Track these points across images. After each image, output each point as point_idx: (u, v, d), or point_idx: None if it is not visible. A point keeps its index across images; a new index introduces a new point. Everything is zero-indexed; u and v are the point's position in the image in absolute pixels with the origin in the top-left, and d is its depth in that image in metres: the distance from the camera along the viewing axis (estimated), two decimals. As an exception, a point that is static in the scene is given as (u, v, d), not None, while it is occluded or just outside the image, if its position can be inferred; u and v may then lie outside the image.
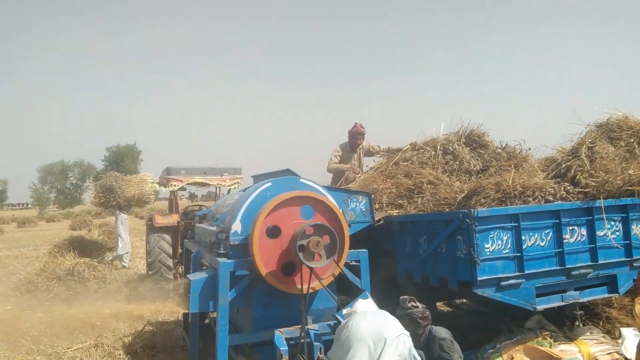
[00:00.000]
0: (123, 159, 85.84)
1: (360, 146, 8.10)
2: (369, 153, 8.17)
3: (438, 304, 6.76)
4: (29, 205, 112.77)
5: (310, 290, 4.11)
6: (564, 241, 4.78)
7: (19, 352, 6.34)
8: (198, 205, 11.26)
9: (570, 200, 4.97)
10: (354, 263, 4.58)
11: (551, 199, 4.96)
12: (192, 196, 19.98)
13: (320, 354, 4.11)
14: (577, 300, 4.92)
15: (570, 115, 6.10)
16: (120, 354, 6.06)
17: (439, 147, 6.58)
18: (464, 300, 7.15)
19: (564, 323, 5.31)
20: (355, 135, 8.03)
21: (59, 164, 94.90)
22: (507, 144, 6.78)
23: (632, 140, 5.75)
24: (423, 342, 4.27)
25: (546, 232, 4.76)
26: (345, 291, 5.03)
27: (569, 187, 5.08)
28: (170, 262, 9.92)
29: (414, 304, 4.41)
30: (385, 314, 3.79)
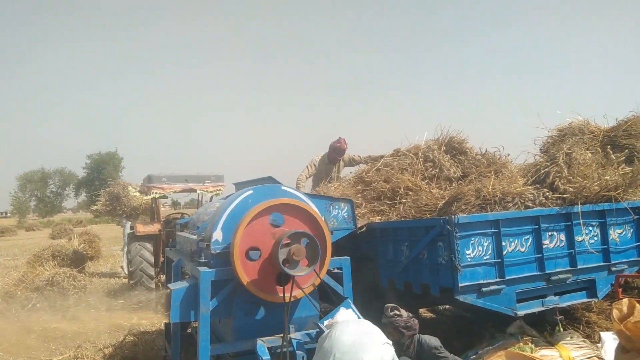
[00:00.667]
0: (105, 167, 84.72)
1: (342, 159, 8.12)
2: (350, 163, 8.18)
3: (421, 310, 6.78)
4: (8, 214, 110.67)
5: (292, 299, 4.09)
6: (544, 247, 4.84)
7: (-4, 365, 6.20)
8: (180, 213, 11.18)
9: (549, 206, 5.03)
10: (336, 270, 4.57)
11: (530, 204, 5.02)
12: (174, 204, 19.86)
13: (303, 363, 4.09)
14: (557, 305, 4.98)
15: (547, 118, 6.32)
16: (100, 366, 5.97)
17: (420, 154, 6.62)
18: (447, 307, 7.19)
19: (545, 328, 5.37)
20: (337, 151, 8.03)
21: (39, 172, 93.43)
22: (486, 151, 6.84)
23: (593, 143, 5.90)
24: (413, 353, 4.28)
25: (526, 237, 4.81)
26: (328, 299, 5.02)
27: (547, 193, 5.15)
28: (152, 271, 9.83)
29: (397, 312, 4.41)
30: (367, 323, 3.78)
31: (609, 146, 5.86)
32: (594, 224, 5.12)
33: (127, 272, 11.28)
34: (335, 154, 8.04)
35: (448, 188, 6.08)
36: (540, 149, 6.69)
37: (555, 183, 5.26)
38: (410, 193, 5.98)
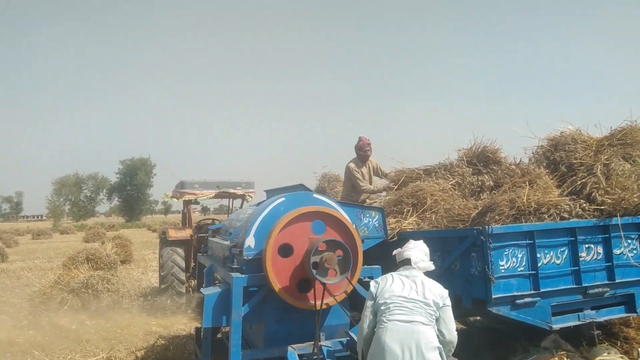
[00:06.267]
0: (137, 172, 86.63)
1: (370, 161, 8.06)
2: (376, 173, 8.11)
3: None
4: (44, 217, 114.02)
5: (324, 307, 4.09)
6: (580, 259, 4.74)
7: (32, 365, 6.37)
8: (211, 219, 11.30)
9: (586, 218, 4.92)
10: (367, 279, 4.55)
11: (566, 216, 4.92)
12: (204, 210, 20.10)
13: (333, 370, 4.09)
14: (594, 320, 4.85)
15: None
16: (132, 368, 6.07)
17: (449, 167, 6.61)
18: (479, 318, 7.06)
19: (581, 343, 5.23)
20: (364, 148, 7.97)
21: (73, 177, 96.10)
22: (520, 160, 6.74)
23: (586, 152, 5.82)
24: None
25: (562, 249, 4.72)
26: (358, 308, 5.00)
27: (584, 205, 5.04)
28: (182, 276, 9.95)
29: None
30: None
31: (603, 155, 5.72)
32: (633, 236, 4.99)
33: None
34: (364, 151, 7.95)
35: (481, 198, 6.00)
36: (529, 160, 6.59)
37: (593, 194, 5.15)
38: (441, 202, 5.92)
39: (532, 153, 6.73)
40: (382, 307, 3.51)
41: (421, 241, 3.94)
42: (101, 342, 7.18)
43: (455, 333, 3.52)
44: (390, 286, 3.58)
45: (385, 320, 3.45)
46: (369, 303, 3.64)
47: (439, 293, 3.53)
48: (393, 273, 3.71)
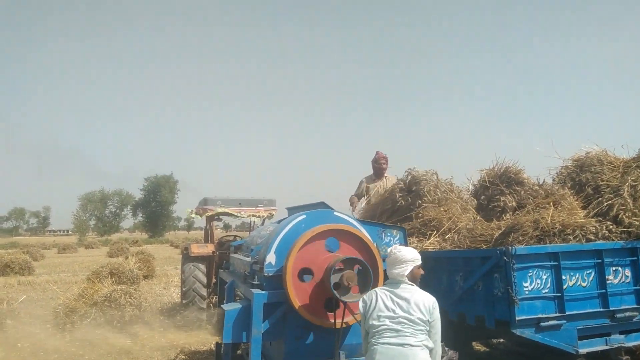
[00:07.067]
0: (160, 189, 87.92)
1: (386, 177, 8.05)
2: None
3: (474, 343, 6.56)
4: (70, 232, 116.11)
5: (344, 325, 4.08)
6: (607, 282, 4.63)
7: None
8: (233, 235, 11.38)
9: (612, 240, 4.82)
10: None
11: (592, 238, 4.83)
12: (226, 227, 20.25)
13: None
14: (623, 345, 4.71)
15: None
16: (152, 383, 6.09)
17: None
18: (502, 340, 6.93)
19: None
20: (379, 161, 7.99)
21: (99, 193, 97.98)
22: (544, 181, 6.66)
23: (613, 174, 5.73)
24: None
25: (588, 272, 4.62)
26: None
27: (611, 226, 4.94)
28: (204, 292, 10.00)
29: (445, 348, 4.30)
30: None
31: (630, 177, 5.59)
32: (662, 260, 4.85)
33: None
34: (379, 165, 7.98)
35: (503, 219, 5.93)
36: (553, 180, 6.49)
37: (620, 216, 5.05)
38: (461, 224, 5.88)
39: (557, 173, 6.66)
40: (372, 329, 3.41)
41: (397, 246, 3.71)
42: (122, 356, 7.23)
43: (440, 345, 3.40)
44: (376, 305, 3.45)
45: (374, 343, 3.37)
46: (361, 323, 3.57)
47: (425, 308, 3.35)
48: (378, 289, 3.56)
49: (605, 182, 5.79)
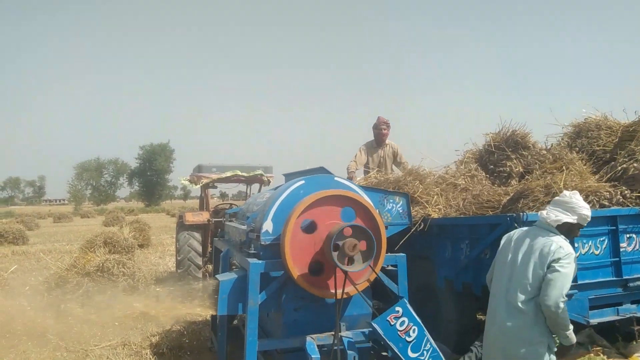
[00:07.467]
0: (156, 158, 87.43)
1: (391, 146, 7.75)
2: (396, 162, 7.78)
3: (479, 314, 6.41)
4: (65, 201, 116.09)
5: (345, 296, 3.87)
6: (621, 250, 4.43)
7: (47, 349, 6.28)
8: (229, 203, 11.14)
9: (627, 206, 4.59)
10: (390, 268, 4.31)
11: (606, 203, 4.60)
12: (223, 195, 20.02)
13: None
14: (634, 315, 4.54)
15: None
16: (147, 354, 5.94)
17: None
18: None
19: (617, 338, 4.93)
20: (379, 127, 7.67)
21: (94, 162, 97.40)
22: (552, 145, 6.39)
23: (610, 139, 5.57)
24: None
25: (601, 239, 4.41)
26: (380, 297, 4.76)
27: (626, 192, 4.71)
28: (199, 261, 9.83)
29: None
30: None
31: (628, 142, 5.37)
32: (679, 227, 4.63)
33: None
34: (380, 130, 7.66)
35: (510, 185, 5.68)
36: (557, 145, 6.26)
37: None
38: (469, 189, 5.63)
39: (557, 140, 6.41)
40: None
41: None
42: (115, 327, 7.08)
43: (552, 300, 3.20)
44: (504, 250, 3.54)
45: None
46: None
47: (544, 263, 3.27)
48: (519, 230, 3.61)
49: (601, 148, 5.57)
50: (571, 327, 3.32)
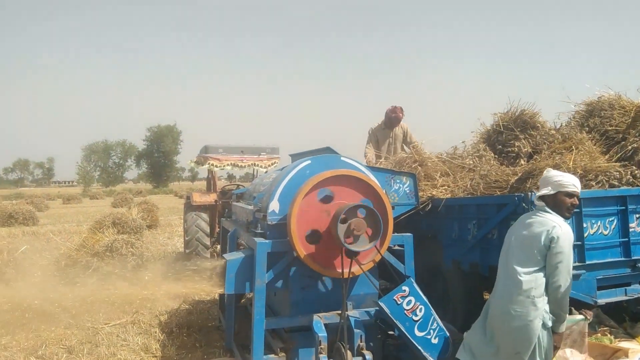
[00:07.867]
0: (163, 139, 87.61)
1: (400, 126, 7.72)
2: (405, 141, 7.77)
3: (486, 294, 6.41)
4: (74, 183, 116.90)
5: (351, 275, 3.87)
6: (630, 230, 4.40)
7: (58, 327, 6.37)
8: (236, 184, 11.16)
9: (637, 186, 4.54)
10: (397, 247, 4.31)
11: (616, 183, 4.55)
12: (230, 177, 20.05)
13: (361, 341, 3.89)
14: (643, 295, 4.52)
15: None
16: (156, 332, 6.00)
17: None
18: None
19: (623, 318, 4.92)
20: (392, 120, 7.66)
21: (102, 143, 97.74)
22: (561, 125, 6.31)
23: (623, 119, 5.44)
24: None
25: (610, 219, 4.37)
26: (387, 276, 4.76)
27: (636, 171, 4.65)
28: (207, 241, 9.90)
29: None
30: None
31: None
32: (689, 207, 4.57)
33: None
34: (392, 122, 7.68)
35: (518, 164, 5.63)
36: (566, 125, 6.16)
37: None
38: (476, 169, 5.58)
39: (569, 119, 6.32)
40: None
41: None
42: (125, 306, 7.15)
43: (561, 281, 3.39)
44: (509, 232, 3.65)
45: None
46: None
47: (539, 240, 3.34)
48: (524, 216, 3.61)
49: (614, 128, 5.48)
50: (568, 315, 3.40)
